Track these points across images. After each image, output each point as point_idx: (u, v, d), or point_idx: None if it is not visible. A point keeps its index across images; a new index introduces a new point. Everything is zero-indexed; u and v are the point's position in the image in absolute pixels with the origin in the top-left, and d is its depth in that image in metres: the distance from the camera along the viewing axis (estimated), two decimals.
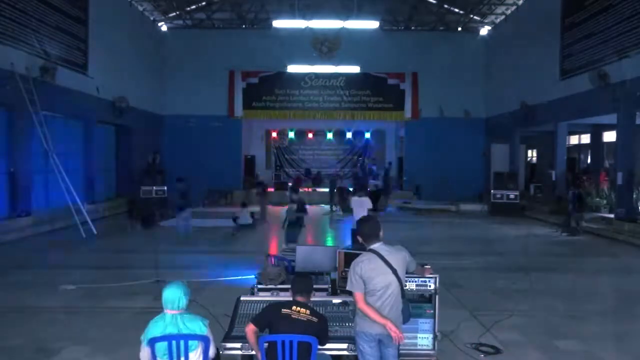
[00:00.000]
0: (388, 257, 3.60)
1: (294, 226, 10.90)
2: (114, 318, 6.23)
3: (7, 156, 12.75)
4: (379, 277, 3.55)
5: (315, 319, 3.53)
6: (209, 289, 7.50)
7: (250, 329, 3.52)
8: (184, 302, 3.36)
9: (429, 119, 23.00)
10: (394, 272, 3.58)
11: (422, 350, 4.58)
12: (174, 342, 3.26)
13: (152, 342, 3.27)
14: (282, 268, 5.32)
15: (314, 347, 3.45)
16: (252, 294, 4.79)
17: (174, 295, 3.35)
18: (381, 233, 3.71)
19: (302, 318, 3.50)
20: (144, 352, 3.31)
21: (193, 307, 6.62)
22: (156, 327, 3.31)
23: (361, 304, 3.52)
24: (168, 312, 3.35)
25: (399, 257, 3.66)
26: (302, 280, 3.84)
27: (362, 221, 3.89)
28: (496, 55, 22.42)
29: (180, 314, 3.34)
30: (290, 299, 3.71)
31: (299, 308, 3.54)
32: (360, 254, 5.71)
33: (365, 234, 3.73)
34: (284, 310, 3.52)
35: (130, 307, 6.62)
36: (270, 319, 3.53)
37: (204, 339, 3.33)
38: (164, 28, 22.89)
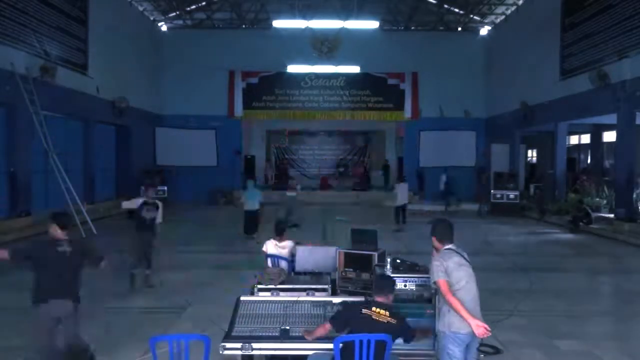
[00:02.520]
0: (463, 255, 3.81)
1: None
2: (114, 318, 6.22)
3: (7, 156, 12.75)
4: (462, 269, 3.70)
5: (394, 321, 3.55)
6: (208, 289, 7.50)
7: (325, 329, 3.56)
8: None
9: (429, 119, 23.00)
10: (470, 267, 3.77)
11: (422, 350, 4.57)
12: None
13: (153, 341, 3.27)
14: (282, 268, 5.32)
15: (388, 346, 3.48)
16: (252, 294, 4.79)
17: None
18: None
19: (383, 320, 3.51)
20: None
21: (192, 307, 6.64)
22: None
23: (449, 296, 3.56)
24: None
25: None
26: (383, 281, 3.88)
27: (437, 221, 4.03)
28: (496, 55, 22.42)
29: None
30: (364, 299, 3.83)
31: (379, 310, 3.54)
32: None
33: (439, 233, 3.92)
34: (365, 311, 3.53)
35: (130, 307, 6.62)
36: (349, 318, 3.54)
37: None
38: (164, 28, 22.90)
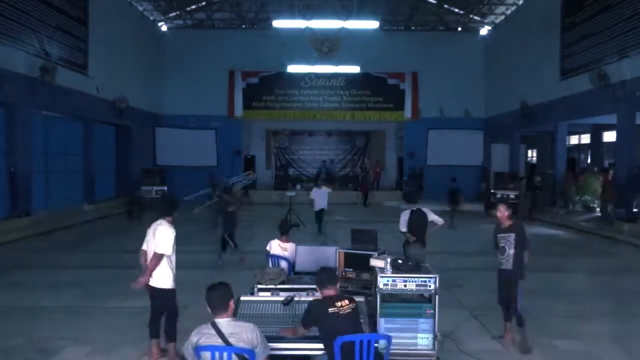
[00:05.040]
0: None
1: None
2: (114, 318, 6.22)
3: (7, 156, 12.75)
4: None
5: (354, 304, 3.65)
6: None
7: (302, 332, 3.67)
8: None
9: (429, 119, 23.00)
10: None
11: (422, 350, 4.57)
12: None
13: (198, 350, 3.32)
14: (282, 268, 5.31)
15: (388, 345, 3.56)
16: (252, 294, 4.79)
17: None
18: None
19: (348, 310, 3.57)
20: None
21: (191, 307, 6.63)
22: None
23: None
24: None
25: None
26: (326, 273, 3.87)
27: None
28: (496, 55, 22.42)
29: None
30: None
31: (340, 302, 3.60)
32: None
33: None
34: (331, 310, 3.55)
35: (130, 308, 6.61)
36: (317, 318, 3.58)
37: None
38: (164, 28, 22.91)
